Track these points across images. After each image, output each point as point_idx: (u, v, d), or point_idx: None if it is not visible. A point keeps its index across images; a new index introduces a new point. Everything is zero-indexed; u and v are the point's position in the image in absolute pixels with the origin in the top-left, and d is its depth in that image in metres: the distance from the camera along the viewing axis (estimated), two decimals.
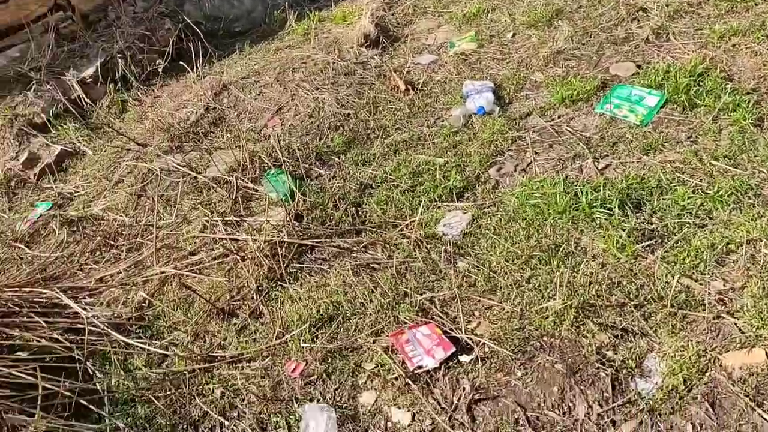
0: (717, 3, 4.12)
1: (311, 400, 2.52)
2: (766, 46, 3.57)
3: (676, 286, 2.52)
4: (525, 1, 4.98)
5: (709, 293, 2.49)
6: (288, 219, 3.30)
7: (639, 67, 3.85)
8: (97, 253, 3.61)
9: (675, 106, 3.44)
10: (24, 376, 2.55)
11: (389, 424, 2.40)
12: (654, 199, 2.94)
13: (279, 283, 3.08)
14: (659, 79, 3.59)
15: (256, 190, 3.70)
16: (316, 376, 2.60)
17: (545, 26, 4.55)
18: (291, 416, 2.48)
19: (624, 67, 3.88)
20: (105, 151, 4.51)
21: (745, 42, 3.66)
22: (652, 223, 2.84)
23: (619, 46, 4.11)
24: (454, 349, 2.52)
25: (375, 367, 2.58)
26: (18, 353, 2.74)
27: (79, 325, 2.92)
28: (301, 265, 3.15)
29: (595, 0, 4.66)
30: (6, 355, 2.68)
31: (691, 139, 3.21)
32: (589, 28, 4.36)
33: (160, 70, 5.18)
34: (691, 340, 2.35)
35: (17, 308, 2.98)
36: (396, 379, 2.51)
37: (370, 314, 2.80)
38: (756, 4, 3.95)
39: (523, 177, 3.35)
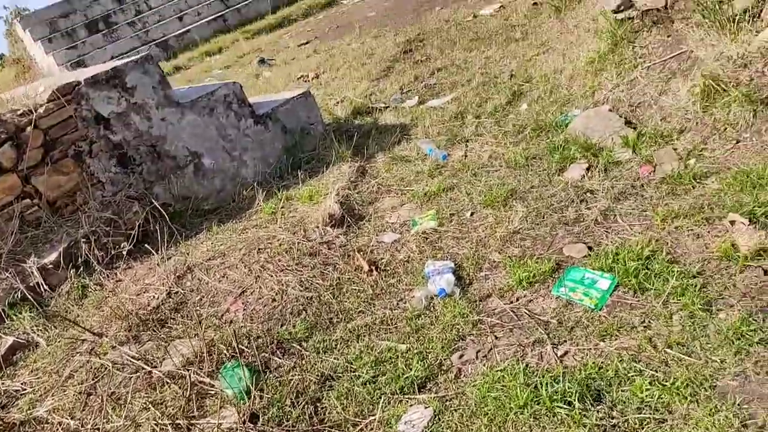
0: (658, 185, 4.33)
1: None
2: (706, 229, 3.71)
3: None
4: (482, 180, 5.20)
5: None
6: (241, 421, 3.16)
7: (590, 248, 3.95)
8: None
9: (626, 289, 3.49)
10: None
11: None
12: (613, 390, 2.89)
13: None
14: (609, 262, 3.68)
15: (213, 386, 3.57)
16: None
17: (501, 206, 4.71)
18: None
19: (576, 249, 3.97)
20: (59, 341, 4.38)
21: (686, 224, 3.79)
22: (613, 418, 2.77)
23: (570, 227, 4.24)
24: None
25: None
26: None
27: None
28: None
29: (546, 180, 4.90)
30: None
31: (644, 324, 3.22)
32: (541, 208, 4.53)
33: (124, 252, 5.19)
34: None
35: None
36: None
37: None
38: (693, 187, 4.15)
39: (484, 365, 3.31)
